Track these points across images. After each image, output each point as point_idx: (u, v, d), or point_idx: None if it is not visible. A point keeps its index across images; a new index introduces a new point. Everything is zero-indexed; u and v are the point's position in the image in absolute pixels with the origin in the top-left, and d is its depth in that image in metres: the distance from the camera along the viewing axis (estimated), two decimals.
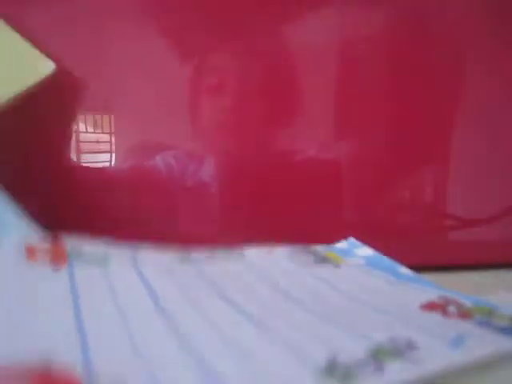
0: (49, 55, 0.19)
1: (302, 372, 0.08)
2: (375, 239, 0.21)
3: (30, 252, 0.13)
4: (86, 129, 0.21)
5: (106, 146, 0.21)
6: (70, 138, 0.21)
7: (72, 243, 0.14)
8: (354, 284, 0.15)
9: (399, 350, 0.09)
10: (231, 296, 0.12)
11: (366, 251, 0.18)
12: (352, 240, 0.19)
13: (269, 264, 0.16)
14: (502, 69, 0.22)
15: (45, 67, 0.18)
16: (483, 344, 0.10)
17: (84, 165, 0.21)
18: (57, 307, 0.11)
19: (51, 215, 0.21)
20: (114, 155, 0.21)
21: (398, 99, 0.21)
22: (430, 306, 0.13)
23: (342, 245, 0.19)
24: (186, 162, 0.21)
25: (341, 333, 0.10)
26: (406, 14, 0.21)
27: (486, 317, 0.12)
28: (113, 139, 0.21)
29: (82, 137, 0.21)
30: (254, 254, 0.16)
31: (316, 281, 0.15)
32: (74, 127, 0.21)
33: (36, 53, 0.18)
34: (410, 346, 0.09)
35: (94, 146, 0.21)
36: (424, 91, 0.21)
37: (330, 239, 0.21)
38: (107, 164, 0.21)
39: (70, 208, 0.21)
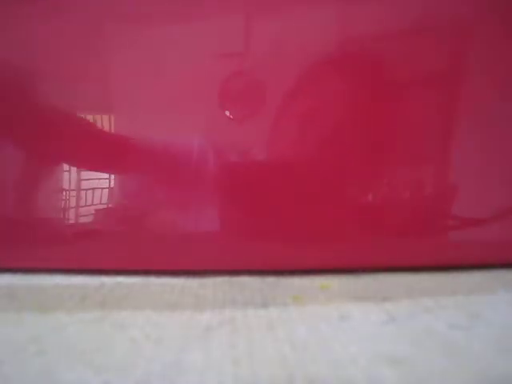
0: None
1: None
2: (375, 239, 0.21)
3: None
4: None
5: None
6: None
7: None
8: None
9: None
10: None
11: None
12: None
13: None
14: (503, 67, 0.22)
15: None
16: None
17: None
18: None
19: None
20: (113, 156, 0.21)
21: (399, 98, 0.21)
22: None
23: None
24: (187, 162, 0.21)
25: None
26: (404, 12, 0.21)
27: None
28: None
29: None
30: None
31: None
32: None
33: None
34: None
35: None
36: (425, 89, 0.21)
37: (329, 239, 0.21)
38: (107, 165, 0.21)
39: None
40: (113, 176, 0.21)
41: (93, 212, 0.21)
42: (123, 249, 0.21)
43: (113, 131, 0.21)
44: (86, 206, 0.21)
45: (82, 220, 0.21)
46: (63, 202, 0.21)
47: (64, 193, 0.21)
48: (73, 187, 0.21)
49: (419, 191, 0.21)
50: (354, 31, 0.21)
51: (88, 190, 0.21)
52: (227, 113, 0.20)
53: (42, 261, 0.21)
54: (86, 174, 0.21)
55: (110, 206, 0.21)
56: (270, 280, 0.20)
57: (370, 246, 0.21)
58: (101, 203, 0.21)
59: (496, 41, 0.21)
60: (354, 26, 0.21)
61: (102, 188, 0.21)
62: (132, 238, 0.21)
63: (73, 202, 0.21)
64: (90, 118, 0.21)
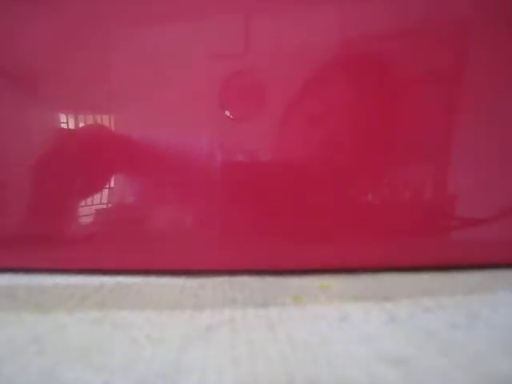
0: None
1: None
2: (375, 239, 0.21)
3: None
4: None
5: None
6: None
7: None
8: None
9: None
10: None
11: None
12: None
13: None
14: (503, 66, 0.22)
15: None
16: None
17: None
18: None
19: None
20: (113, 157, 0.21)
21: (398, 97, 0.21)
22: None
23: None
24: (187, 162, 0.21)
25: None
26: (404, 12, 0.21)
27: None
28: None
29: None
30: None
31: None
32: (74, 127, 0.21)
33: None
34: None
35: None
36: (426, 90, 0.21)
37: (330, 239, 0.21)
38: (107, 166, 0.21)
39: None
40: (113, 176, 0.21)
41: (93, 212, 0.21)
42: (123, 249, 0.21)
43: (111, 131, 0.21)
44: (86, 205, 0.21)
45: (83, 220, 0.21)
46: (63, 202, 0.21)
47: (64, 192, 0.21)
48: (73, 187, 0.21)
49: (419, 191, 0.21)
50: (355, 31, 0.21)
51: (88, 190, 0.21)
52: (227, 113, 0.20)
53: (42, 261, 0.21)
54: (86, 174, 0.21)
55: (110, 205, 0.21)
56: (270, 280, 0.20)
57: (370, 246, 0.21)
58: (101, 203, 0.21)
59: (497, 41, 0.21)
60: (354, 26, 0.21)
61: (103, 188, 0.21)
62: (132, 237, 0.21)
63: (73, 202, 0.21)
64: (90, 118, 0.21)
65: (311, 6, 0.21)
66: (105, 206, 0.21)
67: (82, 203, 0.21)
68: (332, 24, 0.21)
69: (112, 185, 0.21)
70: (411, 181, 0.21)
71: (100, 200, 0.21)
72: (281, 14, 0.21)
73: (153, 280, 0.20)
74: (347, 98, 0.21)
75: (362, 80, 0.21)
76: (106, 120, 0.21)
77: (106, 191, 0.21)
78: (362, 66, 0.21)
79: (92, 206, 0.21)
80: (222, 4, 0.21)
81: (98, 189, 0.21)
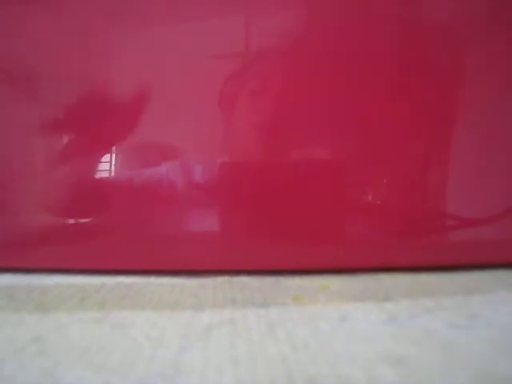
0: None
1: None
2: (375, 239, 0.21)
3: None
4: None
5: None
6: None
7: None
8: None
9: None
10: None
11: None
12: None
13: None
14: (502, 67, 0.22)
15: None
16: None
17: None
18: None
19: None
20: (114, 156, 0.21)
21: (397, 98, 0.21)
22: None
23: None
24: (187, 162, 0.21)
25: None
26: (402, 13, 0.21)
27: None
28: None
29: None
30: None
31: None
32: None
33: None
34: None
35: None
36: (423, 90, 0.21)
37: (330, 239, 0.21)
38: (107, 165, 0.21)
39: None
40: (113, 176, 0.21)
41: (93, 212, 0.21)
42: (123, 249, 0.21)
43: (111, 129, 0.21)
44: (86, 205, 0.21)
45: (83, 220, 0.21)
46: (63, 202, 0.21)
47: (64, 192, 0.21)
48: (73, 187, 0.21)
49: (419, 191, 0.21)
50: (354, 31, 0.21)
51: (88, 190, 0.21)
52: (227, 113, 0.20)
53: (42, 261, 0.21)
54: (86, 174, 0.21)
55: (110, 205, 0.21)
56: (270, 280, 0.20)
57: (370, 246, 0.21)
58: (101, 203, 0.21)
59: (497, 41, 0.21)
60: (354, 26, 0.21)
61: (103, 188, 0.21)
62: (132, 238, 0.21)
63: (73, 202, 0.21)
64: (90, 118, 0.21)
65: (311, 6, 0.21)
66: (105, 206, 0.21)
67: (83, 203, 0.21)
68: (332, 24, 0.21)
69: (112, 184, 0.21)
70: (411, 181, 0.21)
71: (100, 200, 0.21)
72: (281, 14, 0.21)
73: (153, 280, 0.20)
74: (348, 98, 0.21)
75: (362, 81, 0.21)
76: (105, 120, 0.21)
77: (106, 191, 0.21)
78: (363, 67, 0.21)
79: (92, 205, 0.21)
80: (221, 4, 0.21)
81: (98, 188, 0.21)
